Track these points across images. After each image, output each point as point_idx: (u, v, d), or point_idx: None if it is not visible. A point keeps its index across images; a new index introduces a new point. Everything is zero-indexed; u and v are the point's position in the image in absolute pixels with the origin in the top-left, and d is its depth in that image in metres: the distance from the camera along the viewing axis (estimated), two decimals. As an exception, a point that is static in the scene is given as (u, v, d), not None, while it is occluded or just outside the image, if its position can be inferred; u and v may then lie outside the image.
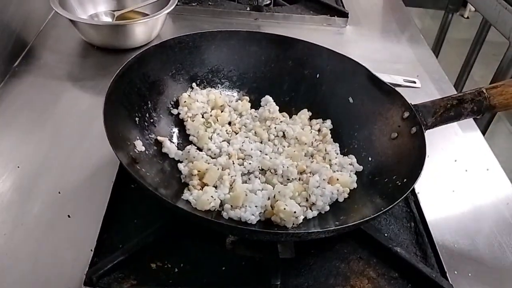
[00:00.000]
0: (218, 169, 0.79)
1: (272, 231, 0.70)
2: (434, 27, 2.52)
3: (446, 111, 0.80)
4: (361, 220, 0.66)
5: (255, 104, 0.96)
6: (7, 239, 0.72)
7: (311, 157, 0.86)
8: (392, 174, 0.78)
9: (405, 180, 0.74)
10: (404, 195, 0.68)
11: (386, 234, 0.79)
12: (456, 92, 1.16)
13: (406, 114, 0.82)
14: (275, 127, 0.90)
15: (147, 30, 1.17)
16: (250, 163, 0.82)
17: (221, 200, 0.75)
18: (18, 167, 0.84)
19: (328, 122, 0.92)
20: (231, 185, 0.77)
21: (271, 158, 0.83)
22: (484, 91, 0.80)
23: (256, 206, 0.74)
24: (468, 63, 2.15)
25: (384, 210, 0.66)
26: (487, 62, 3.14)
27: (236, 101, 0.94)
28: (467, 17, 3.99)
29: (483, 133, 1.26)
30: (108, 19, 1.23)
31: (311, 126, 0.92)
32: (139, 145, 0.78)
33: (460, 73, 2.20)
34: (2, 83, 1.02)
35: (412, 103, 0.83)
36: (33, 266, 0.69)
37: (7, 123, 0.93)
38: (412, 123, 0.80)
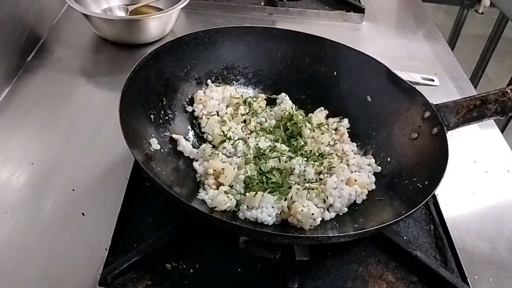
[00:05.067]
0: (234, 168, 0.77)
1: (292, 234, 0.68)
2: (448, 23, 2.47)
3: (469, 112, 0.78)
4: (383, 225, 0.64)
5: (271, 102, 0.94)
6: (21, 237, 0.72)
7: (328, 157, 0.85)
8: (413, 176, 0.76)
9: (426, 182, 0.72)
10: (426, 199, 0.67)
11: (405, 237, 0.77)
12: (475, 92, 1.14)
13: (427, 114, 0.80)
14: (290, 126, 0.88)
15: (161, 25, 1.15)
16: (266, 163, 0.80)
17: (236, 200, 0.74)
18: (32, 163, 0.83)
19: (346, 121, 0.90)
20: (247, 185, 0.76)
21: (287, 158, 0.81)
22: (509, 91, 0.77)
23: (272, 207, 0.73)
24: (484, 59, 2.11)
25: (406, 215, 0.65)
26: (501, 59, 3.08)
27: (252, 98, 0.93)
28: (482, 13, 3.93)
29: (502, 131, 1.23)
30: (121, 14, 1.21)
31: (327, 125, 0.90)
32: (154, 143, 0.77)
33: (474, 70, 2.16)
34: (16, 78, 1.01)
35: (432, 103, 0.81)
36: (47, 265, 0.69)
37: (21, 118, 0.93)
38: (433, 123, 0.78)
